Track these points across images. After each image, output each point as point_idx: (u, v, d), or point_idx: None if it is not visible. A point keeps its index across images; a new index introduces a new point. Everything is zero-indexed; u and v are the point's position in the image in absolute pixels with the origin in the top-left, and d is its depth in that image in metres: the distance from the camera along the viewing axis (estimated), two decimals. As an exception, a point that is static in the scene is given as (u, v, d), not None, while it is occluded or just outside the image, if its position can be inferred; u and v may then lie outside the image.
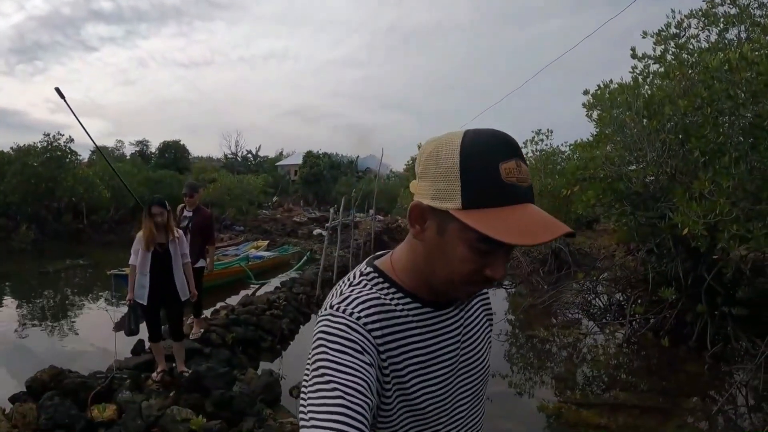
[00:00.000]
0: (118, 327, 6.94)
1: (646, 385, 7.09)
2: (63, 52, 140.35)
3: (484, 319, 1.22)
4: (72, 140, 24.00)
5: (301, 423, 0.81)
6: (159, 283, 4.92)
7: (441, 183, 0.90)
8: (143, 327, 5.11)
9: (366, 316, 0.94)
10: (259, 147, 64.43)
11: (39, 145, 23.27)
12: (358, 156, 54.10)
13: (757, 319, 7.56)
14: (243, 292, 11.48)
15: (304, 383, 0.88)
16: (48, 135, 23.53)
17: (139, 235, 4.90)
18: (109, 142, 57.40)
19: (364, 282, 1.03)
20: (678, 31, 7.98)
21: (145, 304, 4.89)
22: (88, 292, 13.00)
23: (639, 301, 9.70)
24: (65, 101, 5.94)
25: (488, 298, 1.27)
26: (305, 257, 16.10)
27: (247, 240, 21.21)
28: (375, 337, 0.94)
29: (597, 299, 11.19)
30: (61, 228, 23.21)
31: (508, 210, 0.85)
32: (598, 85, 8.89)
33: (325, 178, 43.44)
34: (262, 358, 7.29)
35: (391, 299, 1.01)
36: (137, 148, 50.72)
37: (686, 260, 8.19)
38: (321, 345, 0.89)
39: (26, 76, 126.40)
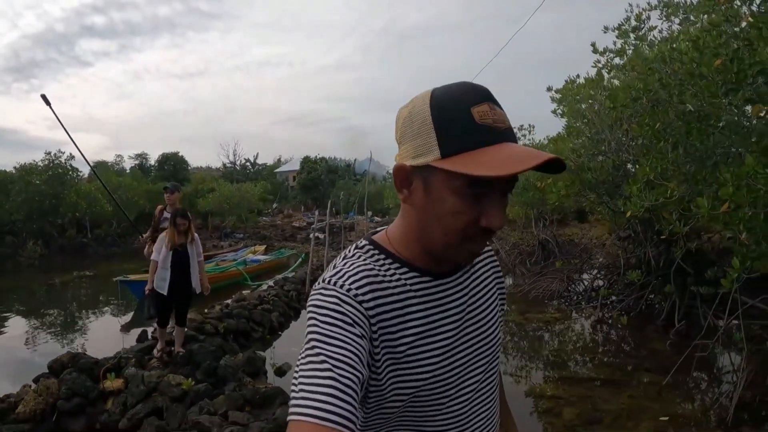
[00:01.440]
0: (147, 318, 7.88)
1: (609, 360, 7.71)
2: (58, 69, 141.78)
3: (494, 285, 1.20)
4: (73, 157, 25.24)
5: (292, 395, 0.82)
6: (177, 276, 5.99)
7: (417, 140, 0.91)
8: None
9: (357, 287, 0.94)
10: (257, 155, 65.32)
11: (41, 163, 24.43)
12: (355, 159, 55.06)
13: (724, 298, 7.60)
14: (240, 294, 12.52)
15: (300, 354, 0.88)
16: (49, 153, 24.73)
17: (162, 236, 5.99)
18: (108, 157, 58.53)
19: (359, 254, 1.04)
20: (638, 23, 8.21)
21: (165, 294, 5.93)
22: (96, 298, 14.09)
23: (613, 285, 10.50)
24: (51, 109, 6.92)
25: (497, 261, 1.25)
26: (300, 259, 17.06)
27: (246, 246, 22.24)
28: (367, 309, 0.93)
29: (574, 285, 11.89)
30: (66, 243, 24.34)
31: (488, 149, 0.85)
32: (566, 80, 9.66)
33: (323, 182, 44.35)
34: (252, 346, 8.15)
35: (387, 269, 1.01)
36: (136, 162, 51.72)
37: (660, 244, 8.83)
38: (312, 318, 0.89)
39: (22, 94, 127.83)
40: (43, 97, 6.78)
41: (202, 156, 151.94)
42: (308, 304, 0.94)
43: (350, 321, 0.89)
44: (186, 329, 6.62)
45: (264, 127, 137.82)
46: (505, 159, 0.84)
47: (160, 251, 5.96)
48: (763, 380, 5.97)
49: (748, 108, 4.48)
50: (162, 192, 7.58)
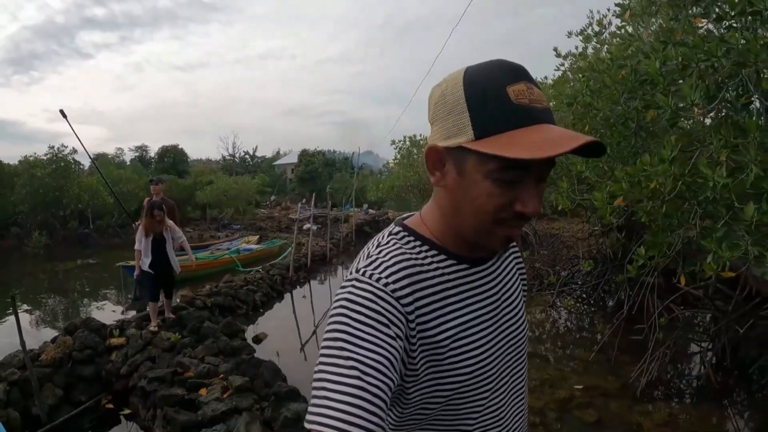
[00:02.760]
0: (133, 300, 9.30)
1: (549, 339, 8.70)
2: (59, 61, 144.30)
3: (518, 275, 1.19)
4: (75, 151, 26.62)
5: (313, 395, 0.80)
6: (158, 258, 7.34)
7: (449, 120, 0.89)
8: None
9: (395, 281, 0.90)
10: (256, 147, 66.92)
11: (44, 157, 25.86)
12: (353, 152, 56.23)
13: (673, 287, 8.24)
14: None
15: (322, 350, 0.85)
16: (53, 147, 26.14)
17: (142, 225, 7.33)
18: (109, 149, 59.84)
19: (394, 241, 1.00)
20: (599, 28, 8.37)
21: (152, 272, 7.28)
22: (101, 282, 15.54)
23: (575, 274, 11.58)
24: (68, 123, 8.29)
25: (519, 252, 1.24)
26: (290, 248, 18.41)
27: (241, 236, 23.63)
28: (404, 305, 0.89)
29: (540, 275, 12.62)
30: (69, 233, 25.75)
31: (524, 131, 0.82)
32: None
33: (320, 175, 45.57)
34: (236, 320, 9.63)
35: (424, 258, 0.98)
36: (137, 154, 52.82)
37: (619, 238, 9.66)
38: (343, 315, 0.86)
39: (23, 86, 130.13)
40: (62, 111, 8.11)
41: (202, 148, 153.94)
42: (338, 296, 0.90)
43: (385, 321, 0.85)
44: (175, 301, 8.03)
45: (264, 120, 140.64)
46: (542, 141, 0.80)
47: (141, 240, 7.28)
48: (683, 361, 6.98)
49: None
50: (154, 180, 8.88)
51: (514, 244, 1.16)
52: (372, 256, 0.97)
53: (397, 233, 1.03)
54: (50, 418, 5.40)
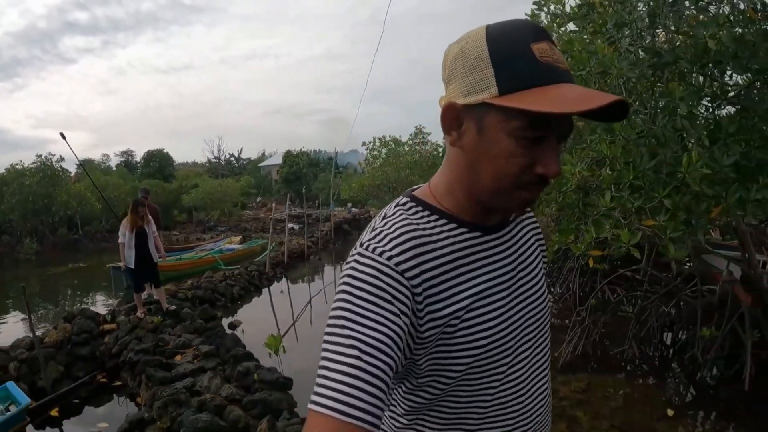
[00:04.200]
0: (126, 288, 10.46)
1: None
2: (42, 67, 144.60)
3: (536, 245, 1.16)
4: (63, 159, 27.90)
5: (317, 372, 0.81)
6: (141, 250, 8.57)
7: (471, 76, 0.87)
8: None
9: (399, 253, 0.89)
10: (241, 149, 68.16)
11: (32, 166, 27.06)
12: (337, 152, 57.21)
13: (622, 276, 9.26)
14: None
15: (326, 327, 0.86)
16: (40, 156, 27.35)
17: (124, 222, 8.54)
18: (94, 155, 60.51)
19: (400, 212, 0.99)
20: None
21: (133, 267, 8.55)
22: (92, 283, 16.83)
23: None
24: (67, 143, 9.57)
25: (537, 223, 1.21)
26: (271, 247, 19.69)
27: (225, 237, 24.89)
28: (409, 278, 0.88)
29: None
30: (59, 239, 26.93)
31: (549, 88, 0.82)
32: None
33: (305, 176, 46.52)
34: (216, 311, 10.93)
35: (433, 227, 0.96)
36: (122, 159, 53.49)
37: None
38: (345, 291, 0.86)
39: (6, 93, 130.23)
40: (62, 134, 9.44)
41: (188, 151, 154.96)
42: (343, 272, 0.90)
43: (389, 297, 0.85)
44: (164, 288, 9.34)
45: (251, 120, 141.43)
46: (568, 98, 0.81)
47: (125, 235, 8.50)
48: (616, 339, 7.72)
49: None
50: (141, 191, 10.13)
51: (532, 214, 1.19)
52: (377, 228, 0.95)
53: (404, 204, 1.01)
54: (53, 390, 6.65)
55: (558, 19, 5.58)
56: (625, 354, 7.36)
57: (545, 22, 6.17)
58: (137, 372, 6.57)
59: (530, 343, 1.05)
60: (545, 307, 1.11)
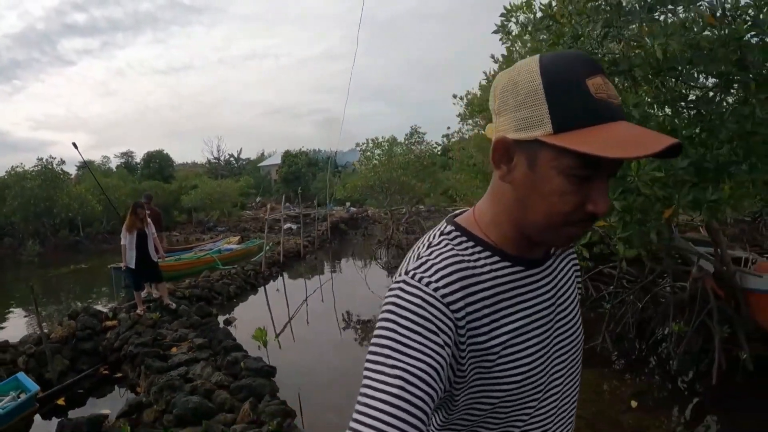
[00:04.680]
0: (125, 287, 11.10)
1: None
2: (41, 69, 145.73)
3: (573, 276, 1.17)
4: (63, 162, 28.61)
5: (358, 398, 0.82)
6: (141, 251, 9.18)
7: (524, 111, 0.87)
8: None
9: (445, 285, 0.90)
10: (241, 150, 69.00)
11: (34, 169, 27.76)
12: (336, 152, 57.67)
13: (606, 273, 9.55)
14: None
15: (368, 354, 0.87)
16: (41, 159, 28.07)
17: (126, 225, 9.15)
18: (94, 156, 61.06)
19: (446, 242, 0.99)
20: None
21: (133, 267, 9.16)
22: (94, 283, 17.50)
23: None
24: (79, 152, 10.18)
25: (574, 251, 1.22)
26: (267, 247, 20.27)
27: (224, 237, 25.52)
28: (454, 311, 0.89)
29: None
30: (60, 241, 27.63)
31: (604, 127, 0.82)
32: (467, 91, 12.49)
33: (304, 175, 47.08)
34: (213, 309, 11.55)
35: (477, 260, 0.97)
36: (122, 160, 54.01)
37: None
38: (390, 320, 0.87)
39: (5, 96, 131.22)
40: (74, 144, 10.11)
41: (187, 152, 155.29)
42: (386, 299, 0.91)
43: (434, 328, 0.86)
44: (165, 284, 9.97)
45: (250, 120, 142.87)
46: (625, 140, 0.80)
47: (125, 236, 9.10)
48: (593, 333, 7.87)
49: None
50: (144, 197, 10.72)
51: (572, 247, 1.19)
52: (422, 257, 0.96)
53: (449, 233, 1.01)
54: (60, 381, 7.23)
55: (530, 27, 6.13)
56: (598, 348, 7.63)
57: (515, 31, 6.56)
58: (137, 363, 7.18)
59: (562, 379, 1.07)
60: (579, 342, 1.13)
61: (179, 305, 9.61)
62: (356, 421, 0.79)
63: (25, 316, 12.53)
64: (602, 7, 5.25)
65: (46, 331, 8.26)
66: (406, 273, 0.93)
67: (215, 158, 65.79)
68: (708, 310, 6.80)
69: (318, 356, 8.49)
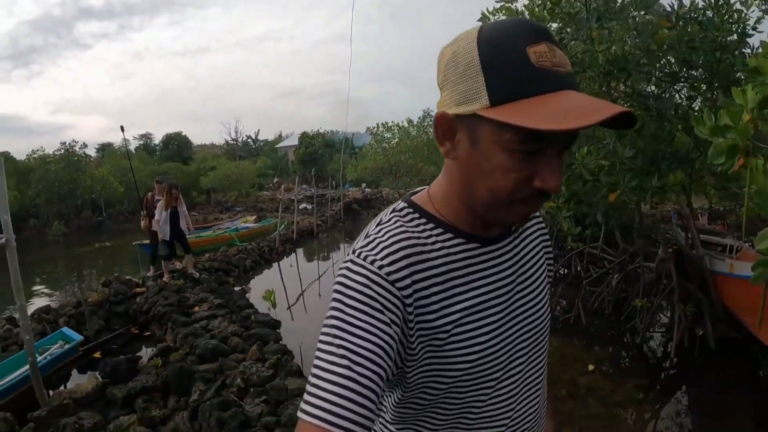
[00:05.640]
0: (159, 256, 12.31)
1: None
2: (57, 53, 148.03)
3: (542, 251, 1.16)
4: (86, 146, 30.19)
5: (308, 380, 0.83)
6: (174, 226, 10.43)
7: (462, 84, 0.84)
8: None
9: (391, 263, 0.90)
10: (258, 131, 70.68)
11: (57, 153, 29.34)
12: (353, 133, 58.59)
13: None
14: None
15: (320, 335, 0.87)
16: (64, 143, 29.65)
17: (161, 203, 10.36)
18: (113, 138, 62.48)
19: (395, 219, 0.99)
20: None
21: (167, 239, 10.40)
22: (117, 260, 18.95)
23: None
24: (124, 137, 11.45)
25: (543, 224, 1.20)
26: (283, 225, 21.46)
27: (241, 216, 26.87)
28: (400, 288, 0.89)
29: None
30: (83, 222, 29.26)
31: (546, 97, 0.78)
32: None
33: (321, 156, 48.09)
34: (230, 280, 12.83)
35: (428, 236, 0.96)
36: (141, 142, 55.36)
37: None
38: (338, 300, 0.88)
39: (23, 81, 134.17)
40: (121, 127, 11.45)
41: (205, 133, 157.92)
42: (335, 280, 0.92)
43: (379, 306, 0.86)
44: (183, 265, 11.27)
45: (266, 102, 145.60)
46: (566, 110, 0.76)
47: (161, 212, 10.39)
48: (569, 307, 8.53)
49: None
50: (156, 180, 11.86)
51: (542, 223, 1.19)
52: (371, 236, 0.95)
53: (401, 210, 1.01)
54: (96, 338, 8.50)
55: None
56: (571, 320, 8.15)
57: None
58: (164, 321, 8.43)
59: (524, 358, 1.05)
60: (544, 319, 1.10)
61: (201, 274, 10.91)
62: (306, 402, 0.80)
63: (54, 293, 13.94)
64: (558, 13, 6.19)
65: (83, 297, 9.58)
66: (353, 252, 0.93)
67: (233, 140, 67.30)
68: (671, 289, 7.18)
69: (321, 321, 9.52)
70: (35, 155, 30.27)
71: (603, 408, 5.69)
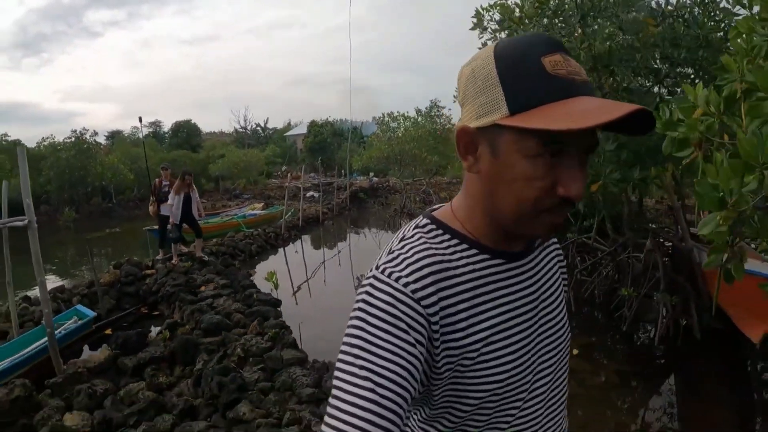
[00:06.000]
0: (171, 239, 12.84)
1: None
2: (67, 41, 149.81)
3: (557, 267, 1.16)
4: (96, 134, 30.82)
5: (329, 400, 0.82)
6: (186, 211, 10.97)
7: (481, 98, 0.87)
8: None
9: (416, 280, 0.88)
10: (267, 119, 70.99)
11: (68, 140, 29.97)
12: (362, 122, 58.76)
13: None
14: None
15: (339, 354, 0.86)
16: (75, 131, 30.27)
17: (175, 187, 10.87)
18: (123, 126, 63.22)
19: (419, 235, 0.98)
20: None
21: (178, 222, 10.88)
22: (128, 244, 19.56)
23: None
24: (140, 127, 12.05)
25: (559, 247, 1.21)
26: (289, 213, 21.90)
27: (249, 203, 27.40)
28: (426, 307, 0.87)
29: None
30: (94, 208, 29.87)
31: (563, 103, 0.80)
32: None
33: (329, 145, 48.42)
34: (236, 264, 13.37)
35: (453, 252, 0.96)
36: (150, 129, 55.75)
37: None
38: (360, 318, 0.86)
39: (33, 69, 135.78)
40: (140, 119, 12.01)
41: (214, 121, 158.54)
42: (358, 295, 0.90)
43: (404, 326, 0.84)
44: (191, 248, 11.81)
45: (275, 90, 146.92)
46: (583, 111, 0.78)
47: (173, 198, 10.86)
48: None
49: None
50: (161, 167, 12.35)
51: (555, 238, 1.19)
52: (394, 251, 0.94)
53: (423, 226, 1.00)
54: (107, 316, 9.00)
55: (507, 23, 6.97)
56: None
57: (490, 29, 7.35)
58: (172, 300, 8.95)
59: (548, 376, 1.05)
60: (565, 337, 1.11)
61: (208, 258, 11.45)
62: (327, 425, 0.79)
63: (66, 276, 14.50)
64: (545, 10, 6.56)
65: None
66: (377, 268, 0.92)
67: (242, 127, 68.03)
68: (657, 279, 7.41)
69: (327, 307, 9.94)
70: (45, 142, 30.91)
71: (581, 388, 6.00)
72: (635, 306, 7.60)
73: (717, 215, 1.93)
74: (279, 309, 8.40)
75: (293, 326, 7.49)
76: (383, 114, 23.81)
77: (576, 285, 9.02)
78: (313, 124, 51.37)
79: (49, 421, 4.69)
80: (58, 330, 7.00)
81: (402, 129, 22.78)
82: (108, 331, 8.35)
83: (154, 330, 8.48)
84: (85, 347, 7.86)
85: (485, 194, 0.92)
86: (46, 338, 6.03)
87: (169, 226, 11.04)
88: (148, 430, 4.54)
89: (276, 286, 8.82)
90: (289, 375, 5.44)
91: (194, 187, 11.36)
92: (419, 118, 23.91)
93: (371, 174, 39.11)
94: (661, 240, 7.92)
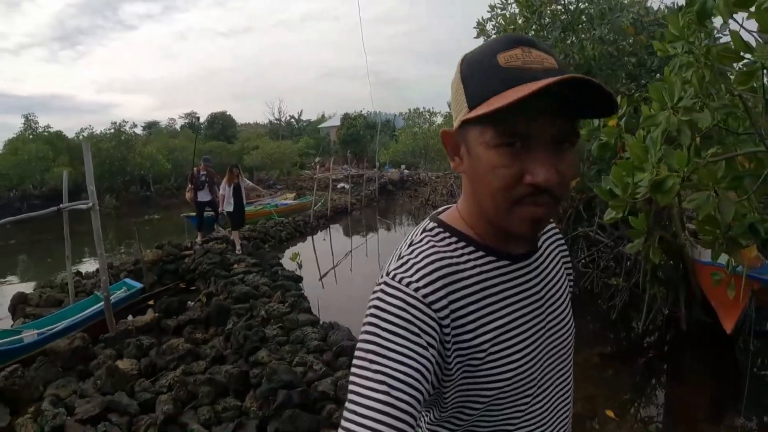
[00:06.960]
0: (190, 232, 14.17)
1: None
2: (103, 34, 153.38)
3: (561, 262, 1.20)
4: (135, 126, 32.57)
5: (345, 405, 0.84)
6: (237, 199, 12.20)
7: (453, 102, 0.94)
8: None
9: (426, 285, 0.91)
10: (301, 112, 72.82)
11: (108, 132, 31.72)
12: (395, 115, 59.56)
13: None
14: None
15: (354, 359, 0.89)
16: (115, 123, 32.03)
17: (225, 180, 12.10)
18: (158, 117, 65.03)
19: (427, 239, 1.01)
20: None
21: (231, 210, 12.14)
22: (164, 230, 21.03)
23: None
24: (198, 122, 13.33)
25: (559, 233, 1.24)
26: (320, 203, 23.05)
27: (281, 193, 28.75)
28: (437, 310, 0.91)
29: None
30: (132, 197, 31.64)
31: (514, 90, 0.82)
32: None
33: (362, 137, 48.96)
34: (266, 246, 14.59)
35: (460, 255, 0.99)
36: (186, 121, 57.36)
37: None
38: (372, 324, 0.89)
39: (70, 61, 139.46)
40: (197, 117, 13.38)
41: (249, 113, 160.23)
42: (370, 302, 0.93)
43: (417, 330, 0.87)
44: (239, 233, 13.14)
45: (309, 82, 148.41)
46: (523, 89, 0.79)
47: (224, 188, 12.08)
48: None
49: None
50: (203, 159, 13.59)
51: (560, 235, 1.23)
52: (403, 257, 0.97)
53: (431, 230, 1.03)
54: (150, 290, 10.16)
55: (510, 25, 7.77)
56: None
57: (492, 34, 7.94)
58: (208, 277, 10.18)
59: (554, 373, 1.09)
60: (571, 334, 1.14)
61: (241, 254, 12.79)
62: (344, 428, 0.81)
63: (109, 256, 15.90)
64: (530, 22, 7.55)
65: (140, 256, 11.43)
66: (387, 274, 0.94)
67: (276, 119, 69.60)
68: (644, 271, 7.57)
69: (349, 289, 11.05)
70: (84, 133, 32.74)
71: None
72: (625, 296, 8.06)
73: (614, 205, 2.20)
74: (300, 284, 9.66)
75: (312, 298, 8.66)
76: (409, 110, 24.88)
77: (578, 276, 9.34)
78: (346, 117, 52.48)
79: (104, 365, 5.79)
80: (111, 297, 8.25)
81: (427, 125, 23.89)
82: (151, 302, 9.48)
83: (191, 303, 9.78)
84: (130, 316, 8.87)
85: (473, 193, 0.97)
86: (99, 305, 7.33)
87: (211, 212, 12.35)
88: (186, 370, 5.74)
89: (300, 266, 10.06)
90: (302, 332, 6.64)
91: (242, 176, 12.57)
92: (438, 118, 24.85)
93: (402, 167, 39.92)
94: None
